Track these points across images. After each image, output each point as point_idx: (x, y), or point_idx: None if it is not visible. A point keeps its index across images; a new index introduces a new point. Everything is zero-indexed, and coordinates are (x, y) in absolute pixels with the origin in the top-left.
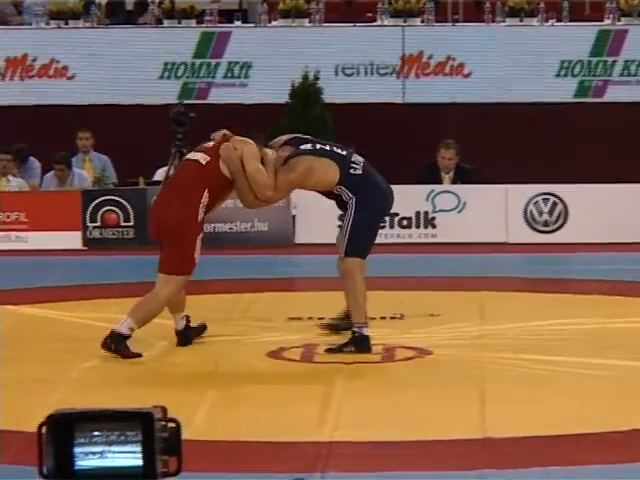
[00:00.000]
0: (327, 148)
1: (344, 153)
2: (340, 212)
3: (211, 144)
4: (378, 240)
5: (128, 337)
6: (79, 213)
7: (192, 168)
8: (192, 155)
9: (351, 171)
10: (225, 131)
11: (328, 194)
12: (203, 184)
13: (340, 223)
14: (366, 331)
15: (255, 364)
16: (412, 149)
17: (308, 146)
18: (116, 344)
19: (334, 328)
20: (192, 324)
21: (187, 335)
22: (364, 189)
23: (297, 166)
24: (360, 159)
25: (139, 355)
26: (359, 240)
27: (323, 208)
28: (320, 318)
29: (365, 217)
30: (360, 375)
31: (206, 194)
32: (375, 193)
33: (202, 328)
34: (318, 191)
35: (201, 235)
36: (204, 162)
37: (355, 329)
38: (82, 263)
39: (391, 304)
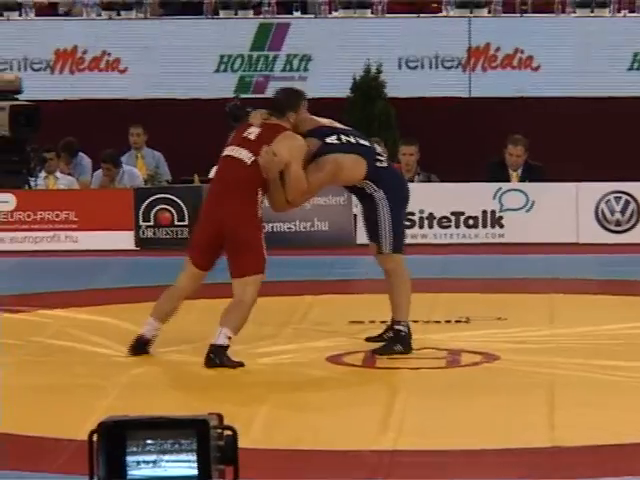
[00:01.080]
0: (353, 141)
1: (368, 145)
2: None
3: (253, 136)
4: (443, 240)
5: (228, 347)
6: (131, 212)
7: (237, 167)
8: (236, 152)
9: (377, 164)
10: (263, 112)
11: (350, 187)
12: (255, 184)
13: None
14: (409, 329)
15: (315, 369)
16: (478, 145)
17: (334, 139)
18: (220, 357)
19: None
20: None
21: (146, 348)
22: (390, 182)
23: (326, 165)
24: (381, 150)
25: (241, 364)
26: (399, 235)
27: None
28: (383, 322)
29: (398, 210)
30: (424, 381)
31: (260, 192)
32: (399, 185)
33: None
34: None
35: (263, 233)
36: (249, 162)
37: (401, 327)
38: (134, 264)
39: (456, 307)
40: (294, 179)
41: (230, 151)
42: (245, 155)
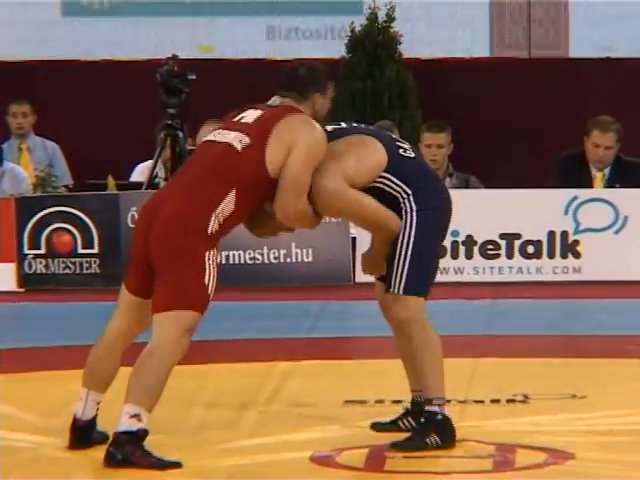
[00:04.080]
0: (345, 126)
1: (375, 128)
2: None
3: (251, 119)
4: (489, 277)
5: (143, 433)
6: (12, 234)
7: (219, 153)
8: (221, 136)
9: (400, 151)
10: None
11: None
12: (230, 180)
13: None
14: (447, 411)
15: (294, 474)
16: (543, 131)
17: None
18: (123, 451)
19: (396, 428)
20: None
21: (90, 433)
22: (422, 183)
23: (326, 166)
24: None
25: (176, 464)
26: (424, 269)
27: None
28: (396, 401)
29: (430, 232)
30: None
31: (232, 196)
32: (436, 191)
33: (105, 437)
34: None
35: (215, 255)
36: (240, 147)
37: (435, 408)
38: (17, 313)
39: (508, 379)
40: (292, 179)
41: (217, 136)
42: (235, 138)
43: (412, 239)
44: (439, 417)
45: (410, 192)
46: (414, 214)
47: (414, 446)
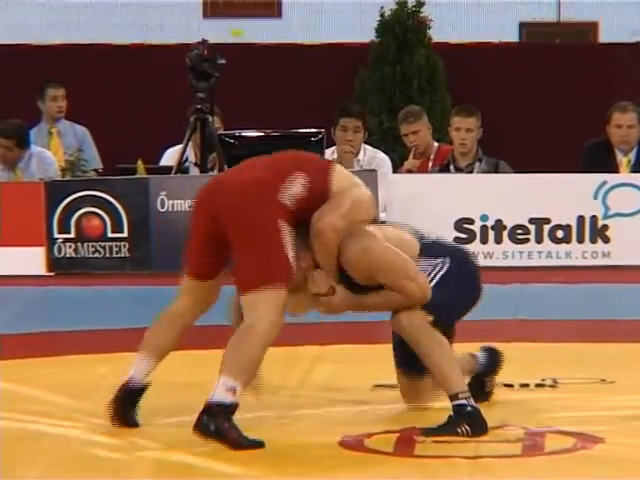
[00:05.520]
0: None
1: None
2: None
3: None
4: (518, 262)
5: (234, 407)
6: (41, 218)
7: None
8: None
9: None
10: None
11: None
12: (300, 166)
13: None
14: (474, 401)
15: (323, 457)
16: (572, 116)
17: None
18: (217, 422)
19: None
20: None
21: (133, 401)
22: (444, 247)
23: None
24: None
25: (259, 444)
26: (446, 306)
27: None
28: None
29: (456, 281)
30: (487, 477)
31: (301, 179)
32: (467, 262)
33: (136, 426)
34: None
35: (288, 228)
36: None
37: (462, 401)
38: (46, 297)
39: (537, 363)
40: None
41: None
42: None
43: (436, 279)
44: (469, 409)
45: (441, 259)
46: (444, 267)
47: (445, 434)
